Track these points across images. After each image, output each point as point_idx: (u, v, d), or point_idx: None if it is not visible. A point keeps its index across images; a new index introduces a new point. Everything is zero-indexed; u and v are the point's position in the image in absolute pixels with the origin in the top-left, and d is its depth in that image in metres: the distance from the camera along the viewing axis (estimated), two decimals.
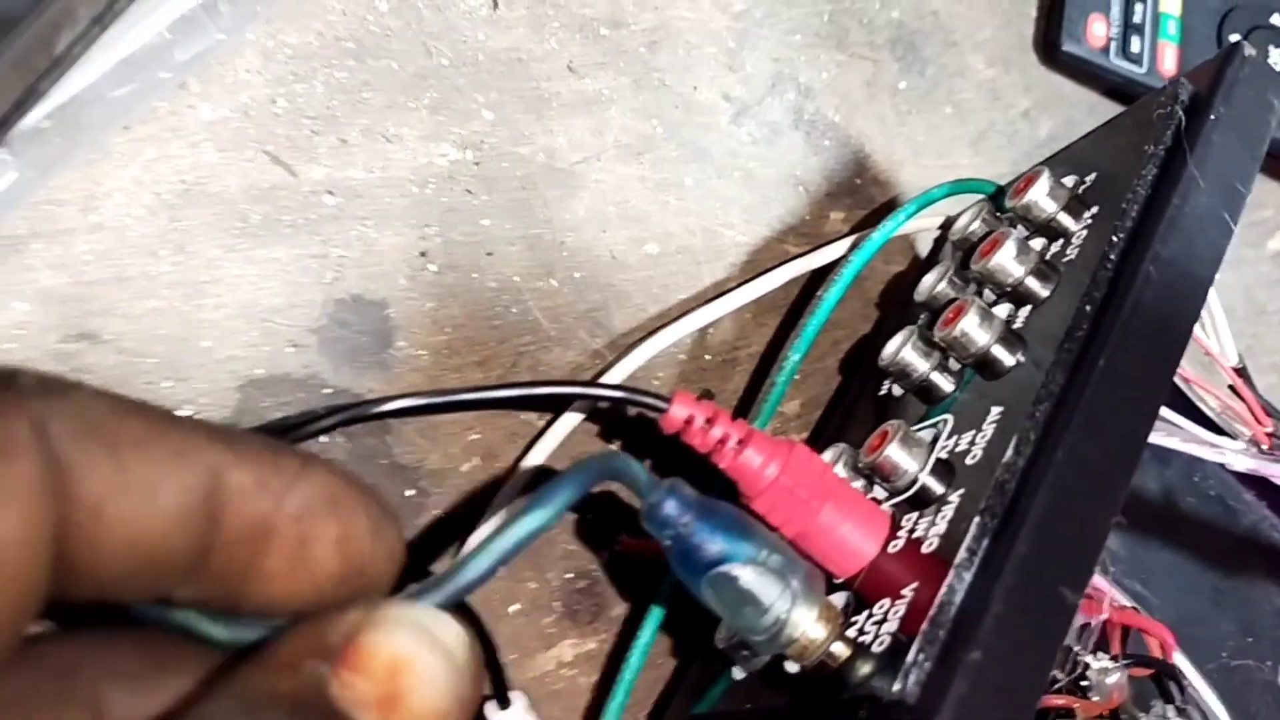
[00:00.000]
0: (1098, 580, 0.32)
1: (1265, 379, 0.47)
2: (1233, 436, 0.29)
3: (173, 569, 0.16)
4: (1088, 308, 0.25)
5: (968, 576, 0.22)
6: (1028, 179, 0.30)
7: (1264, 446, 0.29)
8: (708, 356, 0.37)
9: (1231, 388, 0.30)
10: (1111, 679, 0.30)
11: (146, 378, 0.31)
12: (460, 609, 0.17)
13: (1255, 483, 0.39)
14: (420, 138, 0.35)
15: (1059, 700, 0.30)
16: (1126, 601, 0.32)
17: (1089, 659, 0.30)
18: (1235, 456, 0.28)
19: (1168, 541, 0.39)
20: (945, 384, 0.29)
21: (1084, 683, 0.30)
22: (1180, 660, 0.32)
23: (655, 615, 0.31)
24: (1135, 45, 0.45)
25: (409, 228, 0.34)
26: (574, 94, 0.37)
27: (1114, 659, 0.30)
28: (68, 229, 0.31)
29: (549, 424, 0.33)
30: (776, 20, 0.41)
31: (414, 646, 0.15)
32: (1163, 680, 0.31)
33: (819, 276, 0.38)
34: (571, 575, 0.34)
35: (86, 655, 0.16)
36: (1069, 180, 0.31)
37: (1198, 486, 0.40)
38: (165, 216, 0.32)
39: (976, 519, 0.23)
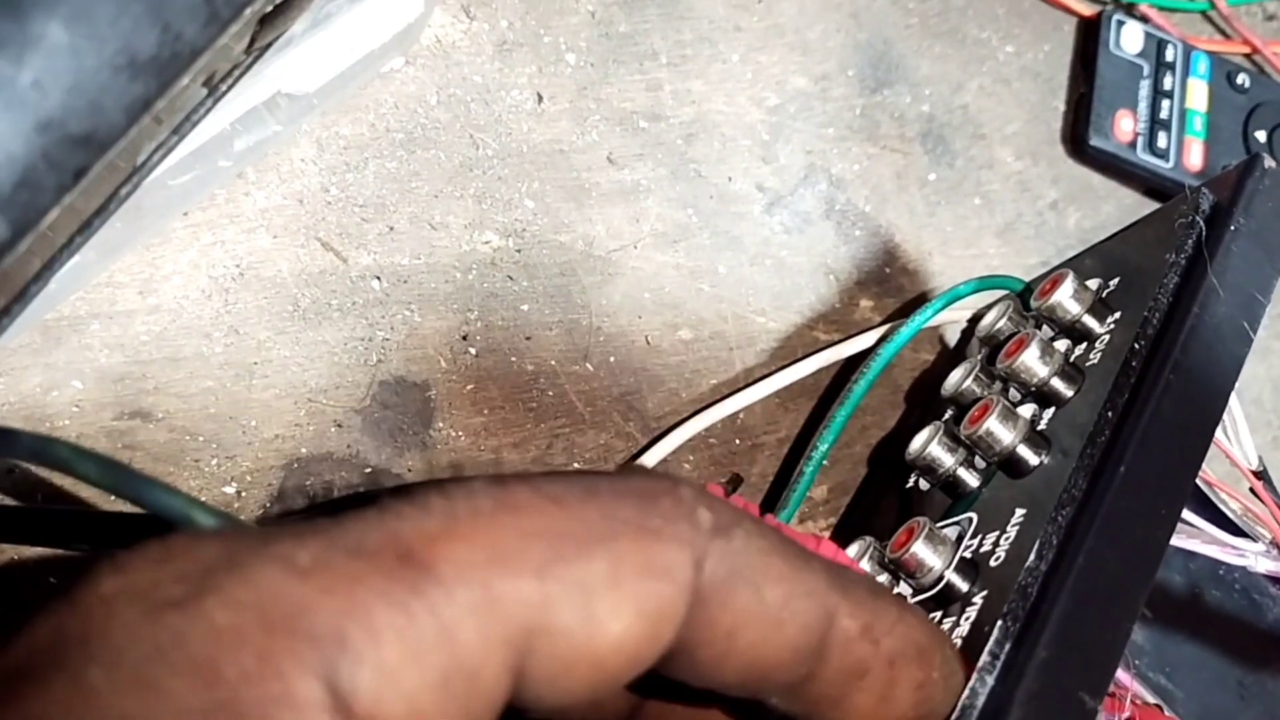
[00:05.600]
0: (1121, 675, 0.32)
1: None
2: (1254, 539, 0.30)
3: (777, 686, 0.19)
4: (1110, 413, 0.26)
5: (990, 680, 0.22)
6: (1053, 280, 0.31)
7: None
8: (738, 440, 0.38)
9: (1252, 490, 0.30)
10: None
11: (195, 455, 0.32)
12: None
13: None
14: (465, 225, 0.36)
15: None
16: (1150, 698, 0.32)
17: None
18: (1256, 559, 0.29)
19: (1193, 634, 0.39)
20: (970, 480, 0.30)
21: None
22: None
23: None
24: (1162, 141, 0.46)
25: (452, 312, 0.35)
26: (613, 184, 0.39)
27: None
28: (126, 310, 0.32)
29: None
30: (810, 114, 0.42)
31: None
32: None
33: (848, 362, 0.38)
34: None
35: None
36: (1093, 283, 0.31)
37: (1223, 579, 0.40)
38: (220, 299, 0.33)
39: (999, 623, 0.23)
